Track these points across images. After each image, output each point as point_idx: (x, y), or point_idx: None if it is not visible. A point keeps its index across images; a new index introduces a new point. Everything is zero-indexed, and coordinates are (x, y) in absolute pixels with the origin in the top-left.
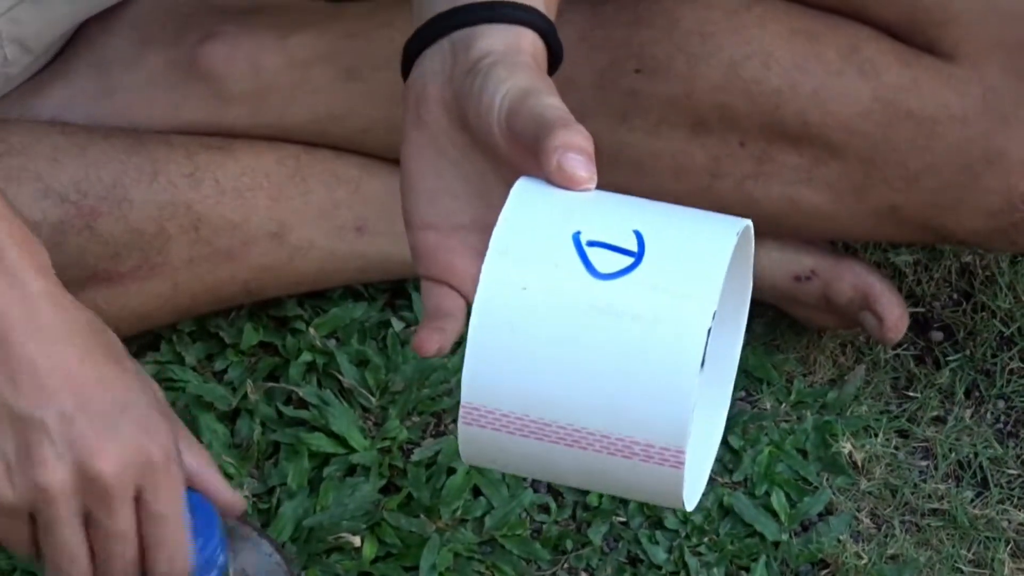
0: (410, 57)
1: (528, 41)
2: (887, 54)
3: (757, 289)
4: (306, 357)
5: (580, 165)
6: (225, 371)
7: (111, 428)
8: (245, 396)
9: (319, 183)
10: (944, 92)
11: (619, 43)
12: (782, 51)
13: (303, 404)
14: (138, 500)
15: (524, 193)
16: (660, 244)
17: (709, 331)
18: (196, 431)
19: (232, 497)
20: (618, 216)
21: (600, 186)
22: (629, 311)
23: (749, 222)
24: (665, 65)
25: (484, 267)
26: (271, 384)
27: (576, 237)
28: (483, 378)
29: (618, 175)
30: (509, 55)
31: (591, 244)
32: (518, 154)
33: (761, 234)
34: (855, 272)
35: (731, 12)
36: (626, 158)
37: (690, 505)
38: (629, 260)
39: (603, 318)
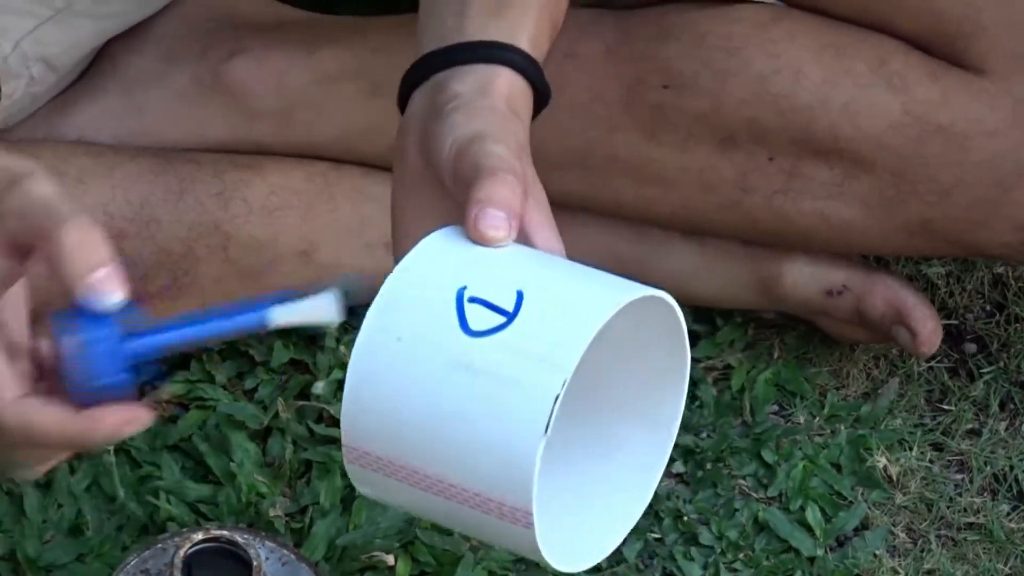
0: (404, 94)
1: (504, 81)
2: (916, 68)
3: (789, 304)
4: (337, 374)
5: (495, 223)
6: (256, 389)
7: None
8: (276, 415)
9: (347, 200)
10: (974, 106)
11: (645, 57)
12: (811, 65)
13: (334, 422)
14: None
15: (432, 242)
16: (536, 306)
17: (557, 398)
18: (227, 450)
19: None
20: (511, 274)
21: (628, 201)
22: (487, 370)
23: (662, 294)
24: (692, 80)
25: (367, 314)
26: (302, 402)
27: (460, 292)
28: (359, 423)
29: (646, 190)
30: (475, 98)
31: (472, 300)
32: (462, 199)
33: (792, 249)
34: (887, 286)
35: (758, 26)
36: (654, 173)
37: (565, 565)
38: (501, 319)
39: (463, 374)
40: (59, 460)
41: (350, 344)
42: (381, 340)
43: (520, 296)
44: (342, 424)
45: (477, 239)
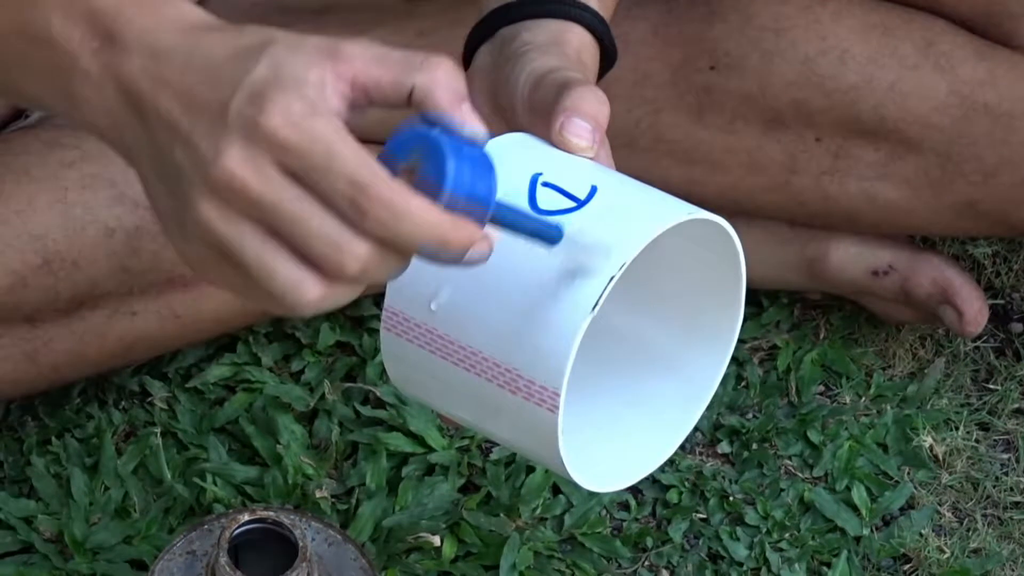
0: (470, 52)
1: (575, 36)
2: (963, 48)
3: (835, 284)
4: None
5: (581, 132)
6: (302, 372)
7: (218, 129)
8: (323, 396)
9: None
10: (1020, 86)
11: (693, 39)
12: (858, 46)
13: (381, 404)
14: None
15: (509, 137)
16: (607, 201)
17: (612, 279)
18: (274, 432)
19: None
20: (587, 172)
21: (675, 182)
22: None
23: (721, 221)
24: (739, 61)
25: None
26: (348, 384)
27: (535, 177)
28: (407, 285)
29: (694, 171)
30: (548, 46)
31: (545, 184)
32: (539, 129)
33: (839, 229)
34: (933, 266)
35: (805, 7)
36: (701, 155)
37: (581, 477)
38: (571, 204)
39: (524, 246)
40: (352, 295)
41: None
42: None
43: (594, 190)
44: (388, 286)
45: (561, 145)
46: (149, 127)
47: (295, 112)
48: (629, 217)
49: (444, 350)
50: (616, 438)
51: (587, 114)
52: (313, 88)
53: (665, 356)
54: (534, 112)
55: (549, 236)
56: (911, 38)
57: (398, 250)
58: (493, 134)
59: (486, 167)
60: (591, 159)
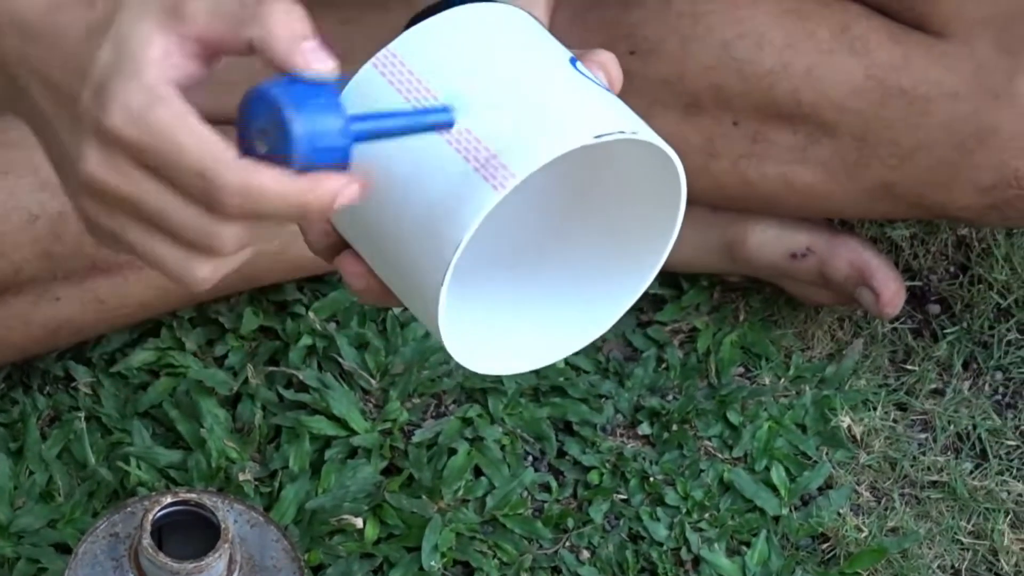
0: None
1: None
2: (878, 31)
3: (754, 267)
4: (306, 341)
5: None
6: (226, 356)
7: (77, 128)
8: (246, 381)
9: None
10: (935, 69)
11: (612, 24)
12: (774, 31)
13: (304, 387)
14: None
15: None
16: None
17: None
18: (198, 416)
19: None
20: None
21: None
22: (567, 57)
23: (660, 143)
24: (658, 46)
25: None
26: (272, 368)
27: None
28: (417, 38)
29: None
30: None
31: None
32: None
33: (757, 213)
34: (851, 248)
35: None
36: None
37: (456, 351)
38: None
39: (565, 71)
40: (243, 257)
41: (319, 311)
42: (512, 20)
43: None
44: (401, 34)
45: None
46: (36, 111)
47: (134, 107)
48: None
49: (414, 93)
50: (524, 326)
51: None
52: (155, 67)
53: (597, 257)
54: None
55: (441, 125)
56: (827, 23)
57: (266, 223)
58: (345, 75)
59: (333, 110)
60: None
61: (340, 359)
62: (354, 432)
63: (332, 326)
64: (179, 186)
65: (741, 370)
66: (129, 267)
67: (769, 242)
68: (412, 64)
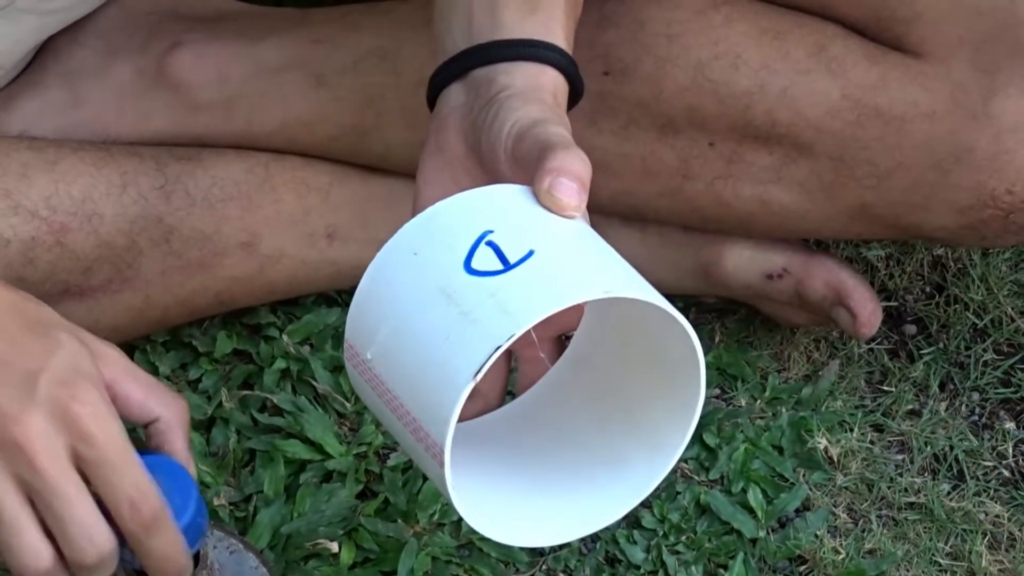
0: (435, 89)
1: (549, 79)
2: (854, 52)
3: (730, 288)
4: (280, 364)
5: (569, 192)
6: (199, 380)
7: (26, 396)
8: (220, 404)
9: (289, 191)
10: (912, 89)
11: (586, 44)
12: (750, 51)
13: (278, 411)
14: (80, 461)
15: (497, 189)
16: (536, 268)
17: (499, 348)
18: None
19: (184, 451)
20: (538, 235)
21: None
22: (460, 304)
23: (670, 309)
24: (632, 67)
25: (405, 224)
26: (246, 392)
27: (484, 233)
28: (358, 321)
29: None
30: (528, 91)
31: (488, 244)
32: (520, 180)
33: (733, 234)
34: (827, 268)
35: (698, 12)
36: (595, 160)
37: (481, 524)
38: (500, 267)
39: (442, 301)
40: None
41: (292, 334)
42: (402, 249)
43: (529, 254)
44: (347, 319)
45: (549, 205)
46: None
47: (100, 409)
48: (548, 286)
49: (378, 389)
50: (544, 506)
51: (574, 175)
52: (102, 388)
53: (617, 447)
54: (517, 164)
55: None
56: (803, 43)
57: (141, 553)
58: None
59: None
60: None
61: (315, 382)
62: (329, 456)
63: (306, 349)
64: (109, 487)
65: (717, 391)
66: (102, 291)
67: (745, 263)
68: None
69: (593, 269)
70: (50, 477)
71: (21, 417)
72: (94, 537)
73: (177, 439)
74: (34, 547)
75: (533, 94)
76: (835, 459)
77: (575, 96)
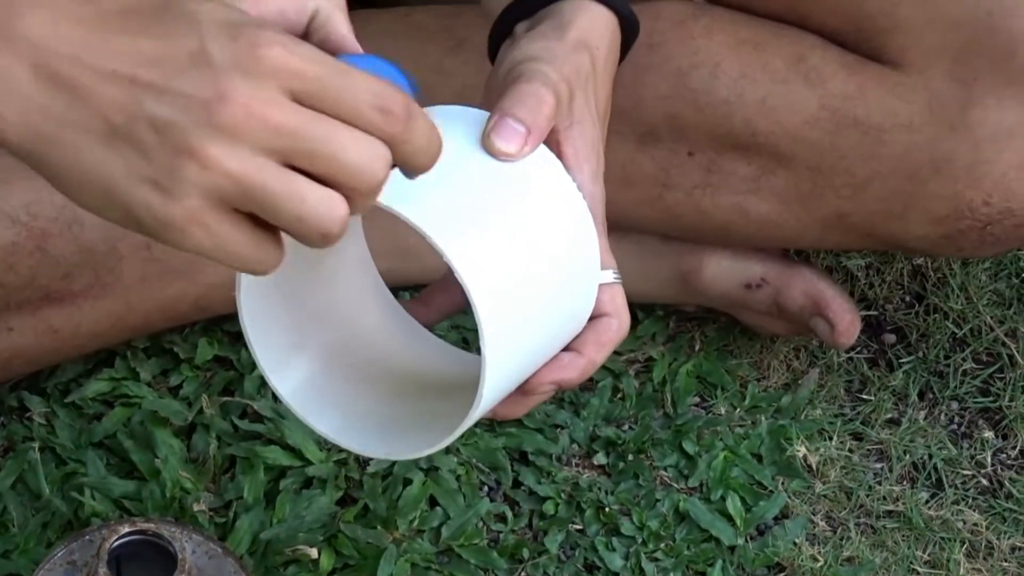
0: (493, 48)
1: (585, 16)
2: (833, 62)
3: (709, 297)
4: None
5: (509, 135)
6: (180, 386)
7: (209, 72)
8: (200, 411)
9: None
10: (890, 99)
11: None
12: (729, 61)
13: (258, 418)
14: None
15: (458, 111)
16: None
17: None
18: (152, 447)
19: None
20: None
21: None
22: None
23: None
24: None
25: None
26: (226, 398)
27: None
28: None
29: None
30: (547, 30)
31: None
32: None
33: (712, 243)
34: (805, 278)
35: (678, 22)
36: None
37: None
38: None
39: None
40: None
41: None
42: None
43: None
44: None
45: (486, 146)
46: (82, 100)
47: (284, 40)
48: (405, 190)
49: None
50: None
51: (520, 117)
52: (263, 23)
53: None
54: (490, 100)
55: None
56: (781, 53)
57: (403, 155)
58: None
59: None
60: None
61: None
62: (309, 462)
63: None
64: (349, 107)
65: (697, 400)
66: (83, 296)
67: (723, 272)
68: None
69: (448, 204)
70: (293, 125)
71: (222, 93)
72: (374, 152)
73: (341, 22)
74: (325, 198)
75: (553, 32)
76: (814, 467)
77: (632, 30)
